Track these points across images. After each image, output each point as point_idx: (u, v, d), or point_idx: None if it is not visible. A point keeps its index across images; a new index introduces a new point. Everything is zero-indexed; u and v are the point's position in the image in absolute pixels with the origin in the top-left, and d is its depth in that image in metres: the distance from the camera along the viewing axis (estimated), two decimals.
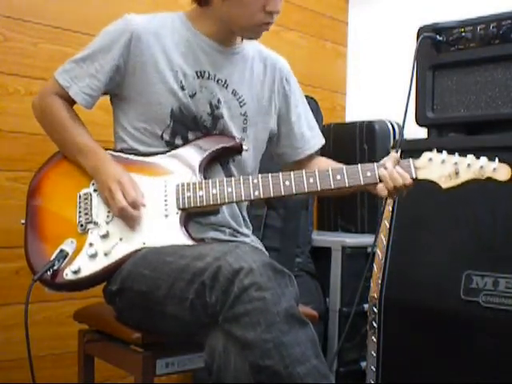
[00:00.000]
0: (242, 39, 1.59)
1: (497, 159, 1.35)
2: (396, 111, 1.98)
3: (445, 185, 1.38)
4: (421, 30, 1.86)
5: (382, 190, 1.40)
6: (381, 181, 1.40)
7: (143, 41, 1.47)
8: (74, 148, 1.48)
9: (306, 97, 2.54)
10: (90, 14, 2.08)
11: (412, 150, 1.79)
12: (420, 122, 1.90)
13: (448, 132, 1.90)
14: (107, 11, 2.07)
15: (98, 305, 1.58)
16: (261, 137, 1.62)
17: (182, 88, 1.48)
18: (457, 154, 1.38)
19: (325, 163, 1.67)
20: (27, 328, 1.33)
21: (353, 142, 2.67)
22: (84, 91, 1.48)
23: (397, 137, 2.61)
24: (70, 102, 1.51)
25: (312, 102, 2.57)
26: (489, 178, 1.35)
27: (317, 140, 1.71)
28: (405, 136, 1.94)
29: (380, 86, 2.87)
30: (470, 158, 1.36)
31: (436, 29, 1.84)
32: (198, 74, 1.51)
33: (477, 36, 1.78)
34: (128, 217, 1.39)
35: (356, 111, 3.01)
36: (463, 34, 1.80)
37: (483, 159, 1.36)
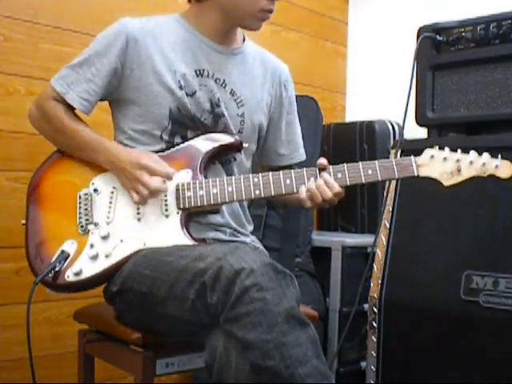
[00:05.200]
0: (244, 40, 1.59)
1: (499, 156, 1.34)
2: (396, 111, 1.98)
3: (447, 182, 1.35)
4: (421, 30, 1.86)
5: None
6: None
7: (140, 43, 1.46)
8: (88, 147, 1.46)
9: (306, 97, 2.58)
10: (90, 14, 2.07)
11: (412, 150, 1.79)
12: (420, 122, 1.90)
13: (448, 132, 1.90)
14: (107, 11, 2.07)
15: (98, 305, 1.58)
16: (253, 138, 1.61)
17: (181, 88, 1.47)
18: (459, 150, 1.35)
19: None
20: (29, 330, 1.33)
21: (353, 142, 2.67)
22: (81, 96, 1.46)
23: (397, 137, 2.61)
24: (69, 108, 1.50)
25: (312, 102, 2.56)
26: (491, 176, 1.33)
27: (299, 153, 1.70)
28: (405, 136, 1.94)
29: (380, 86, 2.87)
30: (473, 154, 1.34)
31: (436, 29, 1.84)
32: (197, 73, 1.50)
33: (477, 36, 1.78)
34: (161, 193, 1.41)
35: (356, 111, 3.01)
36: (463, 34, 1.80)
37: (486, 156, 1.33)
